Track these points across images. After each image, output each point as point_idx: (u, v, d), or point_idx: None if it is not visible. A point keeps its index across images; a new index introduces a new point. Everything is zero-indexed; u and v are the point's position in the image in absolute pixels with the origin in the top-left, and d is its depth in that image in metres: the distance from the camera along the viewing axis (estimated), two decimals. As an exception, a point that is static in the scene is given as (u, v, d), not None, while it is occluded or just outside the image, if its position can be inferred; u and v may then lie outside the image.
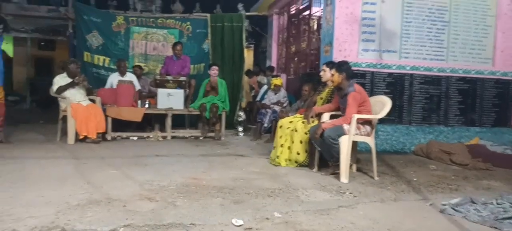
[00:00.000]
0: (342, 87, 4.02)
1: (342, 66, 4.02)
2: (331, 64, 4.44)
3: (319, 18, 6.83)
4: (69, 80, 5.66)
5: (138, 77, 6.83)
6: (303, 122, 4.37)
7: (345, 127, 3.84)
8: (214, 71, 6.68)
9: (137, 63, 7.52)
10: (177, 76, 6.67)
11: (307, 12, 7.86)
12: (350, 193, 3.37)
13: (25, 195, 2.92)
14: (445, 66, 6.00)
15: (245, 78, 8.82)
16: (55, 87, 5.63)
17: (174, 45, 7.05)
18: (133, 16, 8.05)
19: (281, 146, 4.44)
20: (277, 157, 4.44)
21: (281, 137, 4.47)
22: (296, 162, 4.34)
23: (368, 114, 3.96)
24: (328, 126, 3.91)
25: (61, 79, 5.69)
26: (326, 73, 4.44)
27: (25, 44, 12.54)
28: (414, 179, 4.04)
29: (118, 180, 3.48)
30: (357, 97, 3.87)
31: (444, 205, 2.99)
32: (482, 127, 6.14)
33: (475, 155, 5.04)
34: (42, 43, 14.47)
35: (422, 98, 5.96)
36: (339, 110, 4.22)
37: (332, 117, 4.22)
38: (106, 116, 5.79)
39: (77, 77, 5.64)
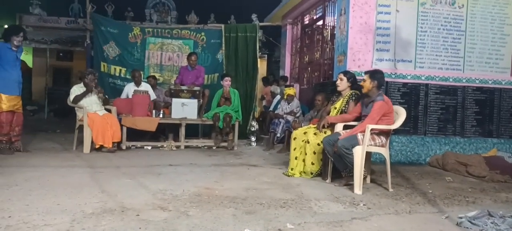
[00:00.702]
0: (370, 95, 4.00)
1: (376, 74, 4.01)
2: (348, 74, 4.43)
3: (333, 28, 6.82)
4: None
5: (152, 87, 6.92)
6: (314, 133, 4.35)
7: (359, 136, 3.82)
8: (227, 82, 6.74)
9: (151, 73, 7.63)
10: (191, 86, 6.74)
11: (320, 22, 7.86)
12: (364, 204, 3.33)
13: (42, 203, 2.97)
14: (462, 76, 5.91)
15: (260, 85, 8.82)
16: (72, 97, 5.75)
17: (189, 55, 7.14)
18: (149, 27, 8.21)
19: (296, 158, 4.43)
20: (292, 169, 4.43)
21: (295, 149, 4.46)
22: (311, 173, 4.32)
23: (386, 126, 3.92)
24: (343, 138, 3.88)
25: (78, 89, 5.80)
26: (343, 82, 4.41)
27: (44, 55, 12.86)
28: (430, 191, 3.97)
29: (132, 189, 3.52)
30: (383, 107, 3.85)
31: (461, 218, 2.93)
32: (500, 138, 6.01)
33: (493, 166, 4.92)
34: (60, 54, 14.81)
35: (438, 109, 5.87)
36: (353, 121, 4.19)
37: (345, 127, 4.19)
38: (121, 126, 5.88)
39: (89, 84, 5.75)
